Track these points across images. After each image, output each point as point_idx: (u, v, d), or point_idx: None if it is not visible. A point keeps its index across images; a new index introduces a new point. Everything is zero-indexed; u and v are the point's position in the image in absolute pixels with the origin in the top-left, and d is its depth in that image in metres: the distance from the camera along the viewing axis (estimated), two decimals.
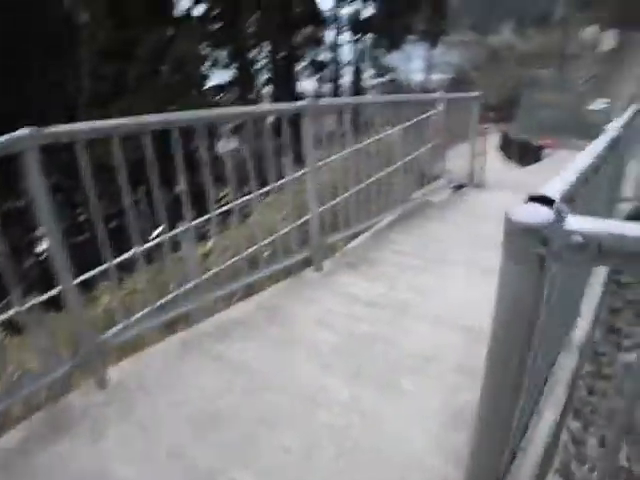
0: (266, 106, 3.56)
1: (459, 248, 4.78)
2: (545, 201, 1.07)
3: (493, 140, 20.69)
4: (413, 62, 42.63)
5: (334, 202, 4.29)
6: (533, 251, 1.06)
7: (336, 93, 27.85)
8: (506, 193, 7.06)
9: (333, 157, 4.36)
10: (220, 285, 3.29)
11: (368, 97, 6.23)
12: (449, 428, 2.37)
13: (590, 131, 12.99)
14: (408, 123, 5.23)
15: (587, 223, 1.01)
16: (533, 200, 1.09)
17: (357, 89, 27.81)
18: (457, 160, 6.94)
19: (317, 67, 27.80)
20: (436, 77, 44.55)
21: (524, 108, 14.95)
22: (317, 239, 3.96)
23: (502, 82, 40.00)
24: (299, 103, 3.64)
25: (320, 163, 4.02)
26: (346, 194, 4.36)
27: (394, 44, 27.17)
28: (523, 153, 11.71)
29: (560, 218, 1.02)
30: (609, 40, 42.80)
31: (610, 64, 25.54)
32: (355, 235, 4.75)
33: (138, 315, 2.82)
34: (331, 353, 2.93)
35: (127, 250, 2.77)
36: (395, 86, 30.34)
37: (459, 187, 7.04)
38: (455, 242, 4.94)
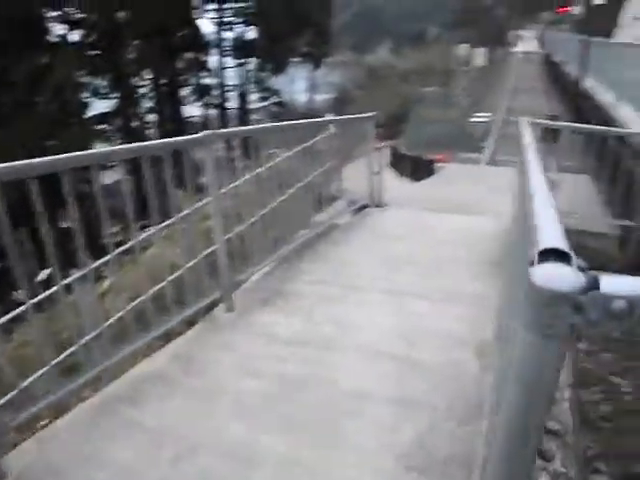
0: (165, 140, 3.25)
1: (372, 271, 4.73)
2: (556, 254, 0.94)
3: (384, 157, 21.31)
4: (297, 84, 43.33)
5: (239, 229, 4.06)
6: (566, 322, 0.90)
7: (223, 117, 27.65)
8: (407, 210, 7.16)
9: (235, 183, 4.16)
10: (125, 337, 2.99)
11: (268, 125, 6.04)
12: (400, 469, 2.24)
13: (473, 143, 13.55)
14: (301, 147, 5.13)
15: (624, 284, 0.87)
16: (544, 255, 0.95)
17: (243, 113, 27.72)
18: (356, 180, 6.93)
19: (202, 92, 27.48)
20: (320, 97, 45.51)
21: (412, 124, 15.42)
22: (227, 275, 3.73)
23: (385, 100, 41.58)
24: (200, 135, 3.43)
25: (223, 190, 3.80)
26: (248, 222, 4.16)
27: (279, 67, 27.44)
28: (415, 168, 11.99)
29: (593, 280, 0.87)
30: (480, 57, 45.69)
31: (483, 79, 27.05)
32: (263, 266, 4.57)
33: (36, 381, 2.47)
34: (260, 403, 2.72)
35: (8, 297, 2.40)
36: (281, 108, 30.60)
37: (361, 207, 7.03)
38: (367, 265, 4.88)
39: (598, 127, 7.51)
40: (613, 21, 16.77)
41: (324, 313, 3.80)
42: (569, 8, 42.54)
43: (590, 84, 15.29)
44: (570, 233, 1.11)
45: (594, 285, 0.87)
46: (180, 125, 24.66)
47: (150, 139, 24.39)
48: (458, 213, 7.03)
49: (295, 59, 30.18)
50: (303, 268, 4.77)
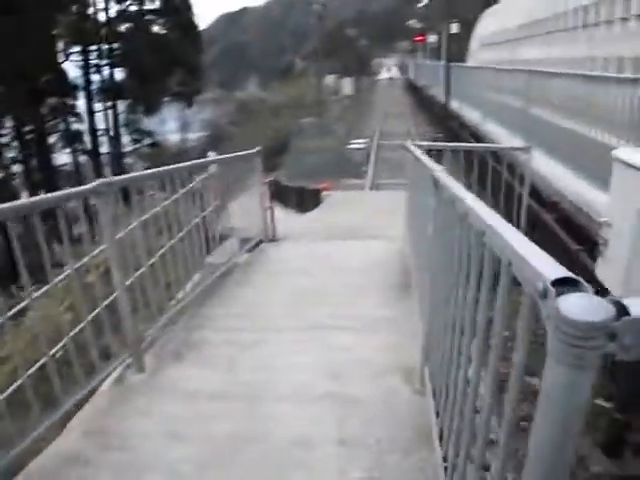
0: (57, 193, 2.93)
1: (282, 309, 4.60)
2: (569, 283, 0.89)
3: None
4: (170, 123, 42.69)
5: (137, 275, 3.73)
6: (600, 351, 0.86)
7: (95, 162, 26.54)
8: (303, 242, 7.10)
9: (130, 227, 3.83)
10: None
11: (160, 169, 5.65)
12: None
13: (355, 169, 13.81)
14: (187, 188, 4.89)
15: None
16: (557, 285, 0.89)
17: (117, 157, 26.75)
18: (246, 216, 6.78)
19: (71, 138, 26.25)
20: (193, 136, 45.07)
21: (291, 156, 15.52)
22: (131, 329, 3.42)
23: (260, 134, 41.84)
24: (93, 184, 3.15)
25: (120, 235, 3.50)
26: (141, 270, 3.84)
27: (150, 108, 26.77)
28: (301, 199, 12.02)
29: (621, 306, 0.84)
30: (347, 86, 47.40)
31: (354, 106, 27.96)
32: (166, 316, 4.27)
33: None
34: (194, 473, 2.47)
35: None
36: (155, 150, 29.88)
37: (256, 244, 6.89)
38: (276, 304, 4.74)
39: (476, 144, 7.95)
40: (465, 48, 17.89)
41: (243, 361, 3.59)
42: (425, 37, 45.53)
43: (456, 105, 16.23)
44: None
45: (624, 311, 0.85)
46: (50, 174, 23.38)
47: (16, 191, 22.96)
48: (353, 239, 7.09)
49: (167, 98, 29.59)
50: (208, 314, 4.54)
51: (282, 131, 36.02)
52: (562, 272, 0.93)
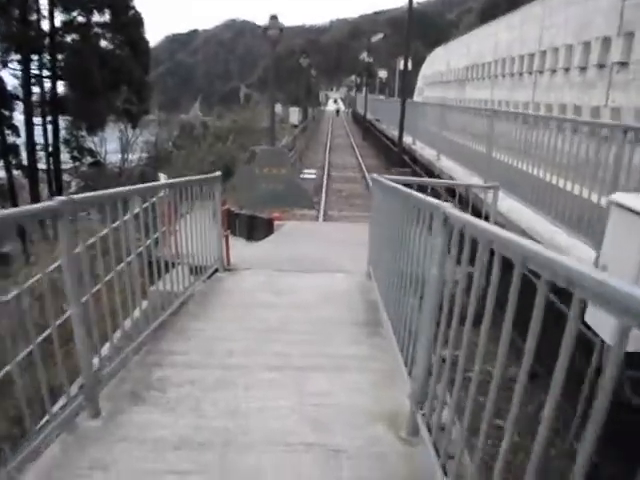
0: (9, 210, 2.54)
1: (247, 345, 4.29)
2: None
3: (206, 213, 20.60)
4: (110, 143, 41.57)
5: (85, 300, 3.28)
6: None
7: (32, 179, 25.32)
8: (261, 272, 6.79)
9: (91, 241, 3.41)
10: None
11: (120, 189, 5.13)
12: None
13: (306, 199, 13.59)
14: (136, 211, 4.48)
15: None
16: None
17: (55, 174, 25.62)
18: (201, 243, 6.41)
19: (5, 151, 24.99)
20: (134, 157, 44.07)
21: (242, 182, 15.20)
22: (86, 366, 3.03)
23: (204, 159, 41.17)
24: (51, 202, 2.79)
25: (79, 249, 3.09)
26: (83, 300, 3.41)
27: (94, 125, 25.76)
28: (252, 227, 11.68)
29: None
30: (295, 115, 47.54)
31: (302, 136, 27.91)
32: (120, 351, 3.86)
33: None
34: None
35: None
36: (96, 169, 28.80)
37: (212, 272, 6.55)
38: (240, 340, 4.41)
39: (445, 181, 7.99)
40: (412, 85, 18.21)
41: (210, 404, 3.25)
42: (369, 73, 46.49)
43: (409, 140, 16.38)
44: None
45: None
46: None
47: None
48: (313, 271, 6.84)
49: (112, 117, 28.66)
50: (167, 349, 4.17)
51: (225, 157, 35.51)
52: None
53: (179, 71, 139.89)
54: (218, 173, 6.70)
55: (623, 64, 14.64)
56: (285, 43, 72.06)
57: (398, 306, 3.88)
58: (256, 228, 11.53)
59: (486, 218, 6.21)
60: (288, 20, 16.00)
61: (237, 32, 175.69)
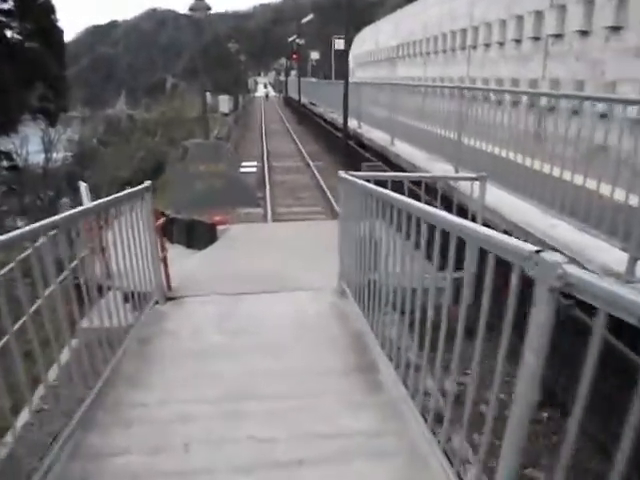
0: None
1: (201, 426, 3.15)
2: None
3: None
4: (32, 143, 38.80)
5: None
6: None
7: None
8: (211, 301, 5.55)
9: None
10: None
11: (31, 227, 3.87)
12: None
13: (250, 196, 12.34)
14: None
15: None
16: None
17: None
18: (134, 266, 5.11)
19: None
20: (58, 156, 41.40)
21: (174, 181, 13.77)
22: None
23: (131, 153, 39.06)
24: None
25: None
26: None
27: (5, 125, 23.18)
28: (191, 234, 10.34)
29: None
30: (225, 104, 45.72)
31: (235, 125, 26.37)
32: None
33: None
34: None
35: None
36: (15, 174, 26.29)
37: (154, 303, 5.32)
38: (191, 418, 3.22)
39: (426, 175, 7.01)
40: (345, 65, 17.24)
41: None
42: (299, 55, 45.15)
43: (354, 124, 15.29)
44: None
45: None
46: None
47: None
48: (272, 291, 5.69)
49: (26, 116, 26.11)
50: (99, 446, 2.95)
51: (155, 152, 33.60)
52: None
53: (101, 64, 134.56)
54: (147, 183, 5.43)
55: (558, 36, 14.26)
56: (210, 30, 69.73)
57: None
58: (197, 234, 10.19)
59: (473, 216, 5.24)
60: (211, 7, 14.56)
61: (159, 22, 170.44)
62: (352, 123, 15.42)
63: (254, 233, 9.08)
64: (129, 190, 5.04)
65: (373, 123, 13.87)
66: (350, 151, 14.90)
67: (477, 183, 5.44)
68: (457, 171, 7.79)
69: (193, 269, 7.16)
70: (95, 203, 4.17)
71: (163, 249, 6.01)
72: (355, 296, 4.70)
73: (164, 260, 5.94)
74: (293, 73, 63.27)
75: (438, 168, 8.30)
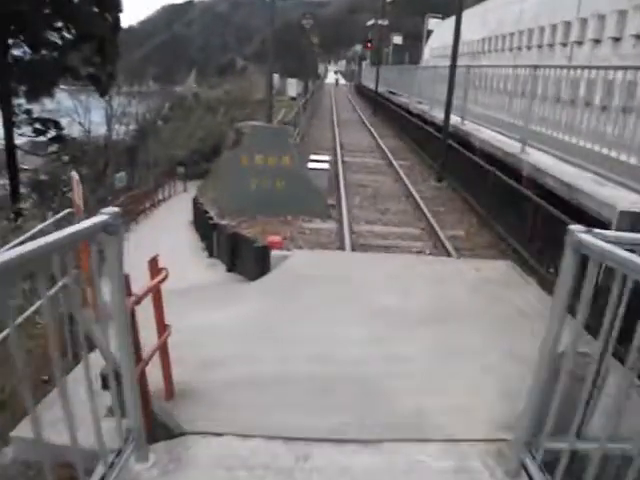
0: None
1: None
2: None
3: (183, 205, 15.73)
4: (92, 113, 37.08)
5: None
6: None
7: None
8: (240, 455, 2.60)
9: None
10: None
11: None
12: None
13: (318, 202, 9.27)
14: None
15: None
16: None
17: (8, 152, 20.64)
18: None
19: None
20: (120, 129, 39.81)
21: (224, 176, 10.81)
22: None
23: (190, 132, 36.68)
24: None
25: None
26: None
27: (38, 89, 20.19)
28: (237, 253, 7.36)
29: None
30: (293, 87, 42.98)
31: (302, 111, 23.36)
32: None
33: None
34: None
35: None
36: (62, 145, 23.77)
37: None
38: None
39: None
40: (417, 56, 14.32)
41: None
42: (373, 45, 42.34)
43: (456, 120, 12.18)
44: None
45: None
46: None
47: None
48: (370, 437, 2.72)
49: (68, 82, 23.41)
50: None
51: (215, 133, 30.97)
52: None
53: (175, 43, 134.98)
54: (112, 210, 2.43)
55: None
56: (283, 17, 67.09)
57: None
58: (243, 255, 7.21)
59: None
60: None
61: (233, 4, 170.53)
62: (453, 119, 12.23)
63: (325, 270, 5.88)
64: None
65: (489, 120, 10.70)
66: (450, 152, 11.72)
67: None
68: None
69: (224, 333, 4.25)
70: None
71: (164, 329, 3.04)
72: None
73: (162, 349, 3.00)
74: (365, 63, 60.11)
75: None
